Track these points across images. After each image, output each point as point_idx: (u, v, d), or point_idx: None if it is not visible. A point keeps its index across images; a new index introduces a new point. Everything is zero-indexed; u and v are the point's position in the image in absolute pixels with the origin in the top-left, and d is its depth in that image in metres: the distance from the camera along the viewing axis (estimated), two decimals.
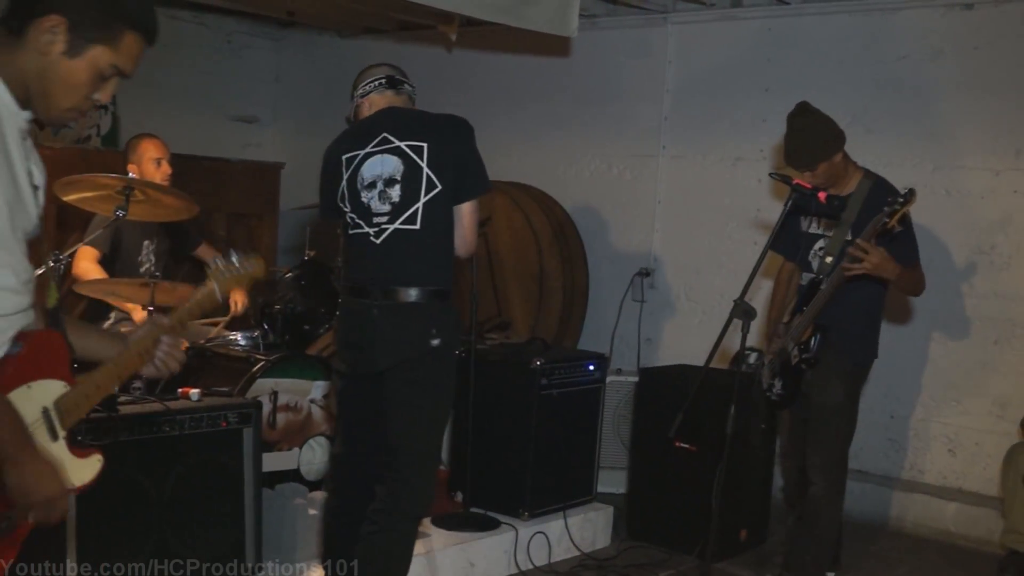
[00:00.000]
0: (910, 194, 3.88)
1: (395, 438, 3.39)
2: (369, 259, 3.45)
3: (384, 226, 3.40)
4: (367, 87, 3.64)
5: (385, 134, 3.46)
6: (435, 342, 3.34)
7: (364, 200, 3.44)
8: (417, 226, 3.38)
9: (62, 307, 2.24)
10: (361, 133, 3.55)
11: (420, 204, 3.38)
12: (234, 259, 2.48)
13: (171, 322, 2.36)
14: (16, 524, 2.01)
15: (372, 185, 3.43)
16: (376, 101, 3.61)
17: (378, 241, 3.41)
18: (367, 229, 3.44)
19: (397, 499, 3.37)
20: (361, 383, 3.47)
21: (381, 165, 3.43)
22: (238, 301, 5.14)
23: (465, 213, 3.45)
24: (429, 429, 3.43)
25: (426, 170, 3.39)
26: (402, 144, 3.42)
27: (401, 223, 3.39)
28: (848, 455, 4.36)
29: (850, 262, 3.95)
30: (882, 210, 3.90)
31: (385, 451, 3.40)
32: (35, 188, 2.08)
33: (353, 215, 3.49)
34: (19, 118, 2.04)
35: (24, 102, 2.04)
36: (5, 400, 1.98)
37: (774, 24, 6.16)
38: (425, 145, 3.41)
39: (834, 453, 4.27)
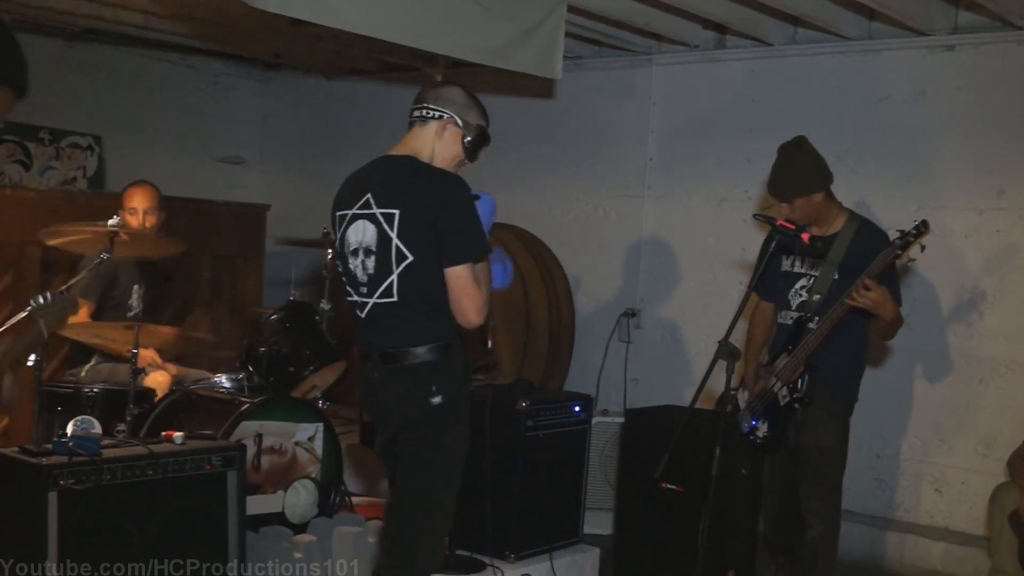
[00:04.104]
0: (923, 226, 3.89)
1: (404, 496, 3.33)
2: (361, 327, 3.39)
3: (365, 299, 3.32)
4: (409, 118, 3.48)
5: (369, 195, 3.32)
6: (436, 400, 3.24)
7: (351, 267, 3.36)
8: (395, 298, 3.26)
9: None
10: (355, 186, 3.41)
11: (394, 276, 3.25)
12: (50, 297, 2.51)
13: (8, 362, 2.38)
14: None
15: (355, 252, 3.34)
16: (406, 135, 3.45)
17: (363, 315, 3.34)
18: (355, 298, 3.38)
19: (402, 557, 3.31)
20: (390, 443, 3.41)
21: (362, 232, 3.32)
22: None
23: (450, 281, 3.23)
24: (437, 487, 3.33)
25: (395, 241, 3.24)
26: (377, 211, 3.28)
27: (379, 297, 3.29)
28: (842, 493, 4.35)
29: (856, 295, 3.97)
30: (893, 241, 3.92)
31: (397, 508, 3.35)
32: None
33: (344, 278, 3.43)
34: None
35: None
36: None
37: (758, 65, 6.22)
38: (397, 213, 3.24)
39: (831, 495, 4.25)
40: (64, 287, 4.48)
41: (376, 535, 3.92)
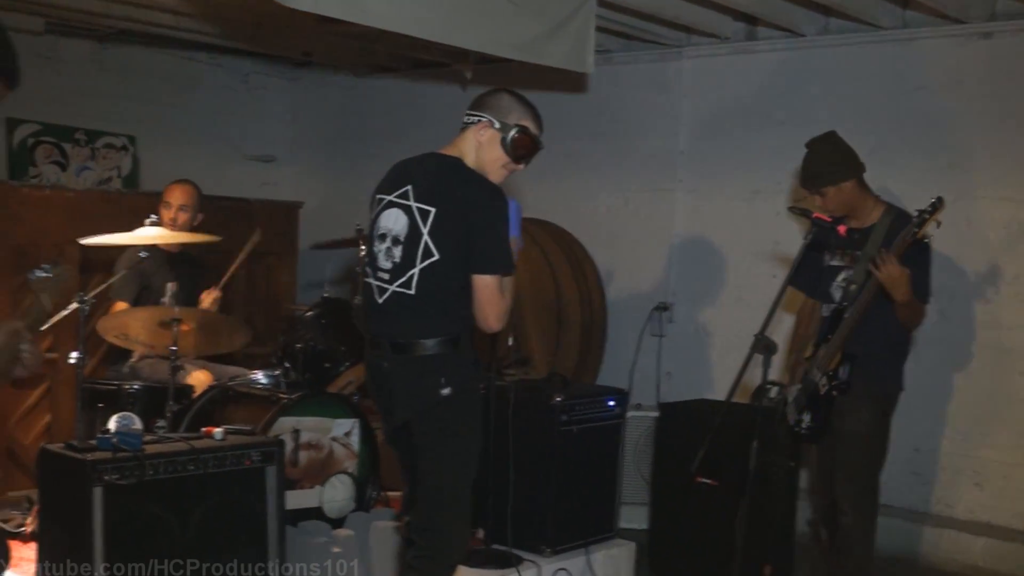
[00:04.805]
0: (938, 202, 3.90)
1: (422, 487, 3.40)
2: (375, 314, 3.45)
3: (384, 286, 3.38)
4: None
5: (409, 186, 3.39)
6: (445, 391, 3.31)
7: (375, 250, 3.44)
8: (412, 291, 3.32)
9: None
10: (399, 174, 3.49)
11: (416, 270, 3.32)
12: (48, 269, 2.54)
13: (23, 328, 2.42)
14: None
15: (383, 238, 3.41)
16: (456, 137, 3.51)
17: (380, 300, 3.40)
18: (373, 282, 3.44)
19: (432, 547, 3.37)
20: (397, 431, 3.47)
21: (394, 220, 3.39)
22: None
23: (477, 288, 3.31)
24: (453, 476, 3.39)
25: (425, 238, 3.31)
26: (414, 205, 3.35)
27: (398, 286, 3.35)
28: (879, 485, 4.32)
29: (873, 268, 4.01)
30: (911, 220, 3.93)
31: (421, 502, 3.41)
32: None
33: (367, 258, 3.52)
34: None
35: None
36: None
37: (789, 56, 6.19)
38: (433, 211, 3.32)
39: (863, 482, 4.24)
40: (100, 288, 4.56)
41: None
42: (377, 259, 3.42)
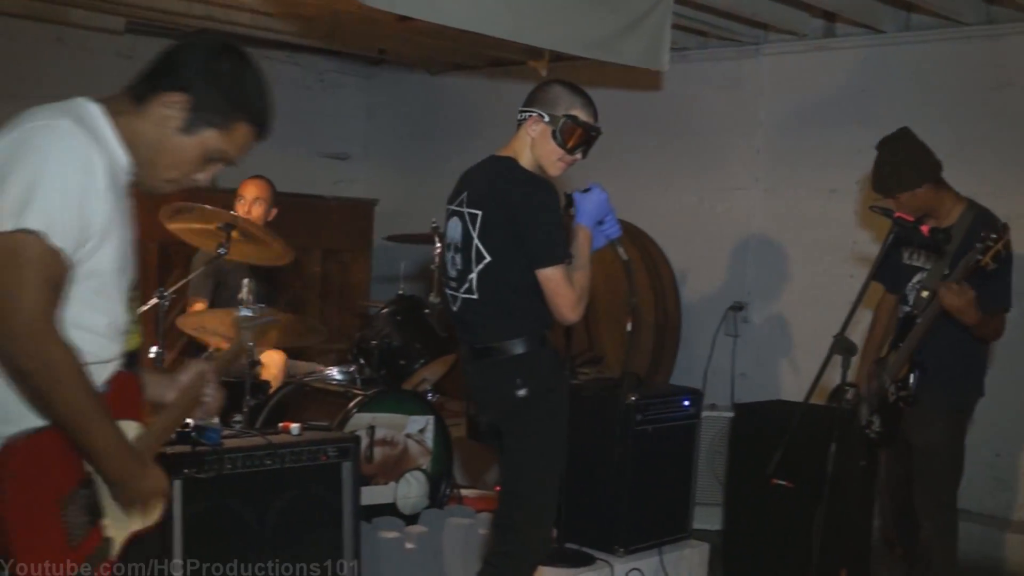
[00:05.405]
0: (1003, 229, 3.77)
1: (504, 486, 3.43)
2: (454, 322, 3.52)
3: (455, 294, 3.43)
4: None
5: (465, 193, 3.41)
6: (521, 392, 3.31)
7: (446, 260, 3.50)
8: (475, 296, 3.35)
9: (143, 350, 2.27)
10: (461, 182, 3.51)
11: (474, 274, 3.34)
12: (254, 311, 2.55)
13: (212, 370, 2.41)
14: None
15: (448, 247, 3.47)
16: (512, 137, 3.50)
17: (455, 309, 3.45)
18: (447, 292, 3.50)
19: (509, 546, 3.39)
20: (489, 429, 3.55)
21: (454, 229, 3.43)
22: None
23: (542, 283, 3.28)
24: (531, 478, 3.39)
25: (476, 241, 3.33)
26: (466, 210, 3.38)
27: (464, 292, 3.39)
28: (957, 497, 4.22)
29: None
30: (975, 246, 3.80)
31: (502, 500, 3.45)
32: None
33: (445, 269, 3.55)
34: (127, 177, 2.10)
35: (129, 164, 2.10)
36: (115, 425, 2.03)
37: (869, 54, 6.08)
38: (480, 214, 3.33)
39: (941, 496, 4.13)
40: (179, 284, 4.63)
41: (487, 526, 3.99)
42: (447, 269, 3.48)
